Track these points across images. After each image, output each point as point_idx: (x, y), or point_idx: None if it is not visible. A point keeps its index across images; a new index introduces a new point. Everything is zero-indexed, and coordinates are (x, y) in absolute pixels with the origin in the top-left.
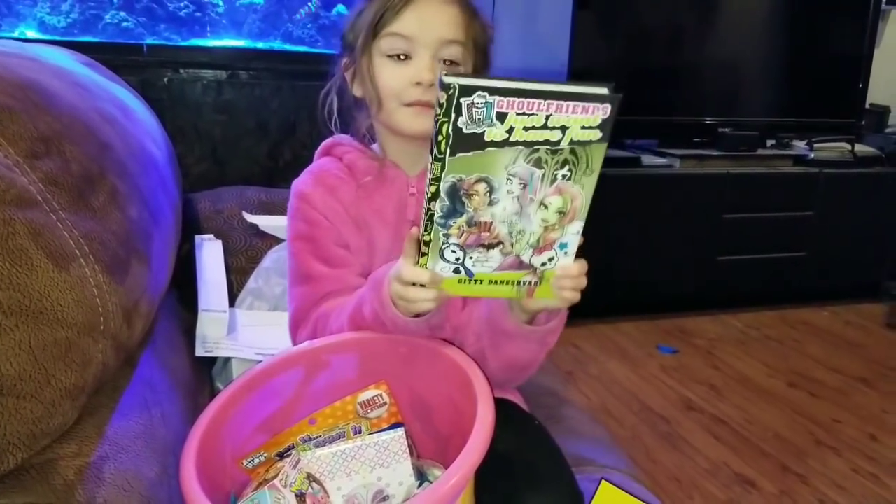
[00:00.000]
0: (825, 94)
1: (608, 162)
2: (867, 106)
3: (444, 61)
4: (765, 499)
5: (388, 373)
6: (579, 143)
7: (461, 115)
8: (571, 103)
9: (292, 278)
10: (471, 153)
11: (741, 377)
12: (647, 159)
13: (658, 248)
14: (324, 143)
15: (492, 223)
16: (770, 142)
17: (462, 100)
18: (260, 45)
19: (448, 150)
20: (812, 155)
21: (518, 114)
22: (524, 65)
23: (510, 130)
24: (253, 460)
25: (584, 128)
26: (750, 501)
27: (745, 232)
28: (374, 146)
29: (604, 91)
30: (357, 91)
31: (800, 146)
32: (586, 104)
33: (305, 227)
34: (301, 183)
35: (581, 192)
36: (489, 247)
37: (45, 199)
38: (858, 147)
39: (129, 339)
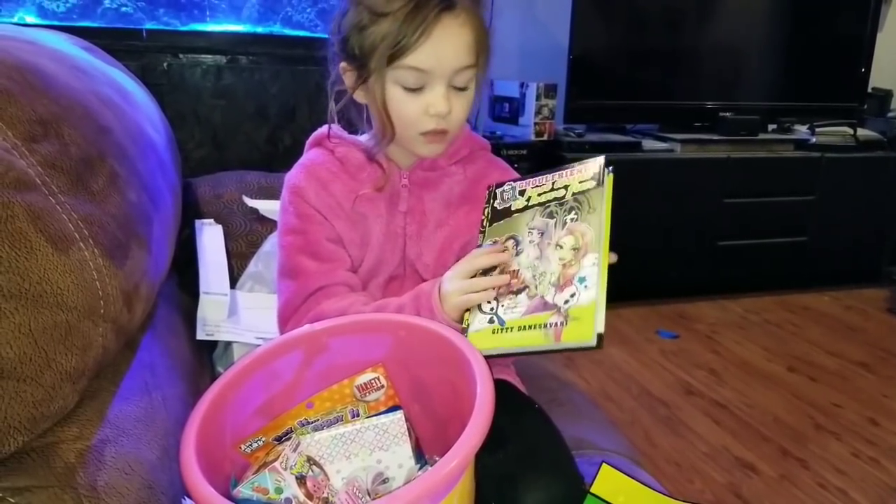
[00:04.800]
0: (827, 79)
1: (609, 147)
2: (870, 90)
3: (455, 87)
4: (765, 483)
5: (387, 356)
6: (580, 192)
7: (496, 199)
8: (569, 169)
9: (280, 271)
10: (502, 221)
11: (741, 362)
12: (648, 144)
13: (659, 233)
14: (314, 135)
15: (518, 270)
16: (771, 126)
17: (497, 190)
18: (259, 29)
19: (488, 224)
20: (814, 139)
21: (533, 187)
22: (524, 48)
23: (528, 199)
24: (251, 444)
25: (581, 182)
26: (750, 486)
27: (746, 217)
28: (364, 136)
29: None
30: (361, 98)
31: (801, 131)
32: (580, 166)
33: (297, 222)
34: (294, 177)
35: (589, 228)
36: (517, 292)
37: (43, 183)
38: (861, 131)
39: (130, 322)
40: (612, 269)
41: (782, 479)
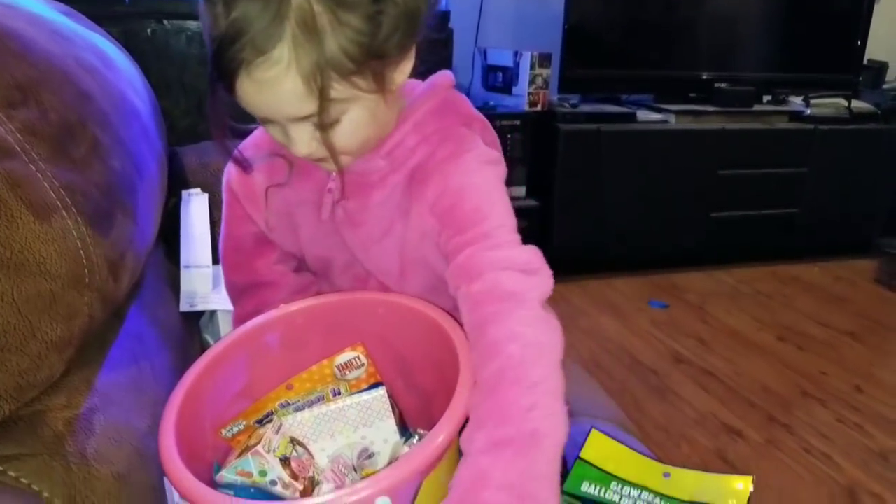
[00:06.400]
0: (823, 50)
1: (604, 118)
2: (865, 62)
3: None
4: (751, 447)
5: (367, 333)
6: None
7: None
8: None
9: None
10: None
11: (731, 331)
12: (643, 115)
13: (652, 204)
14: None
15: None
16: (766, 98)
17: None
18: None
19: None
20: (808, 111)
21: None
22: (518, 16)
23: None
24: (232, 429)
25: None
26: (736, 450)
27: (739, 188)
28: None
29: None
30: None
31: (796, 102)
32: None
33: (225, 212)
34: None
35: None
36: None
37: (23, 150)
38: (855, 103)
39: (116, 292)
40: (605, 240)
41: (768, 443)
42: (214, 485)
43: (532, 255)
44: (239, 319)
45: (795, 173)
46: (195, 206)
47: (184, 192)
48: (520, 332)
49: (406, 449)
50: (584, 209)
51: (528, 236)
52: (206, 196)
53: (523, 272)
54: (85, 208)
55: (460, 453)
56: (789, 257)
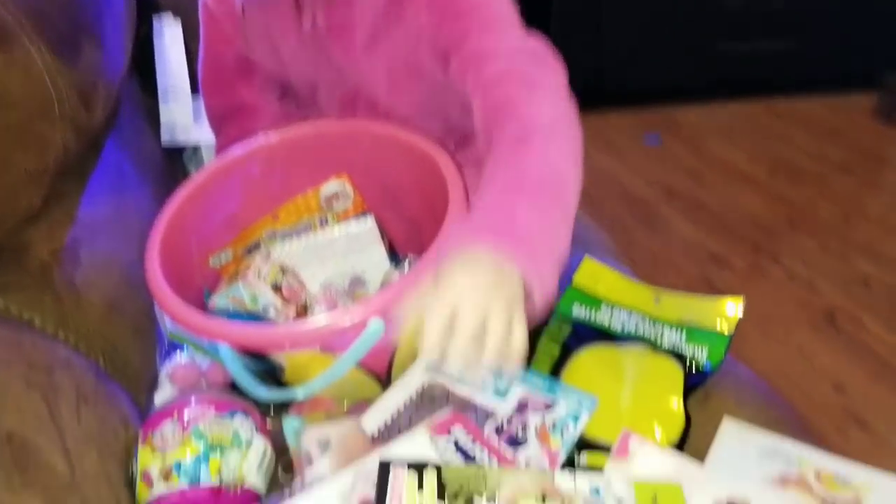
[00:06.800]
0: None
1: None
2: None
3: None
4: (735, 274)
5: (352, 163)
6: None
7: None
8: None
9: None
10: None
11: (723, 165)
12: None
13: (651, 33)
14: None
15: None
16: None
17: None
18: None
19: None
20: None
21: None
22: None
23: None
24: (220, 257)
25: None
26: (721, 276)
27: (743, 19)
28: None
29: None
30: None
31: None
32: None
33: (202, 31)
34: None
35: None
36: None
37: None
38: None
39: (90, 122)
40: (602, 73)
41: (753, 271)
42: (206, 311)
43: (542, 43)
44: (221, 151)
45: (800, 2)
46: (168, 35)
47: (155, 20)
48: (541, 111)
49: (397, 275)
50: (581, 38)
51: None
52: (178, 22)
53: (535, 57)
54: (48, 35)
55: None
56: (789, 91)
